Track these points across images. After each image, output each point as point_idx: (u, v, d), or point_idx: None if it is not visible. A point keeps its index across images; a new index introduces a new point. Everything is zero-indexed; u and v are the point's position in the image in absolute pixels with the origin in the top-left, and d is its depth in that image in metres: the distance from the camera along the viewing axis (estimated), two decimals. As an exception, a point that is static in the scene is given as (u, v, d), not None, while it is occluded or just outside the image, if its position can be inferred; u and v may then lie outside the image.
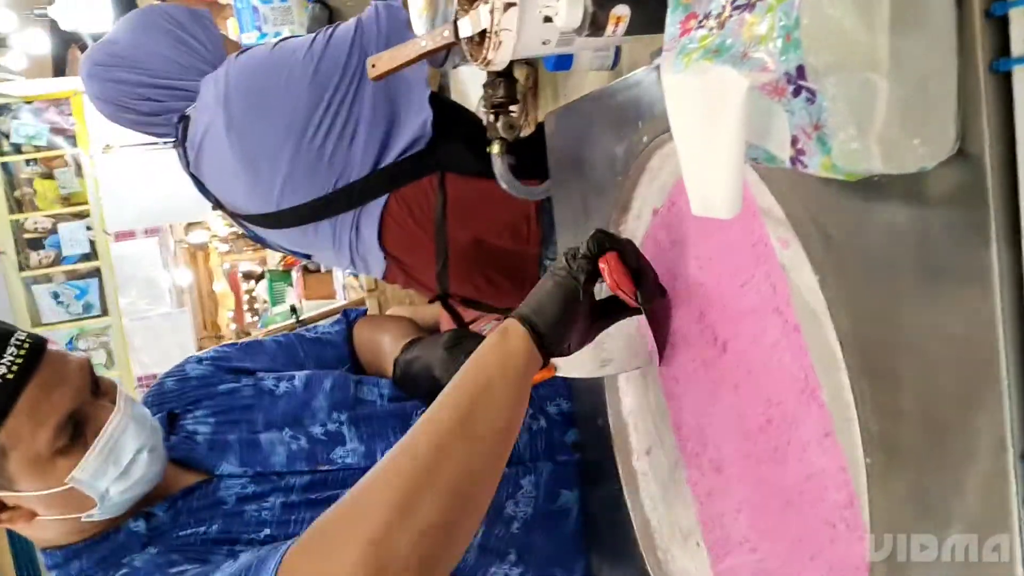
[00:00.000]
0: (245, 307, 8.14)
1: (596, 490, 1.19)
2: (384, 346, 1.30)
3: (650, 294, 0.92)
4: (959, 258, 0.52)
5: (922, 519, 0.59)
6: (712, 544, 0.94)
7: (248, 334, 5.25)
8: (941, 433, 0.56)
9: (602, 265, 0.88)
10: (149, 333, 4.05)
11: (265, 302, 6.47)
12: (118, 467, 0.99)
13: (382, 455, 1.12)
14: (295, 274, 5.16)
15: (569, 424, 1.25)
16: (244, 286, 8.20)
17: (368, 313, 1.51)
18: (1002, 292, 0.49)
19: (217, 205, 1.71)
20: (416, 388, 1.17)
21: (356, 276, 4.24)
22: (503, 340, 0.87)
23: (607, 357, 0.99)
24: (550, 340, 0.87)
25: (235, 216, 1.70)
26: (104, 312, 4.16)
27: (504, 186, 1.31)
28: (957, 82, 0.50)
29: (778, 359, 0.79)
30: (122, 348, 4.08)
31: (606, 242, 0.89)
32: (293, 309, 4.40)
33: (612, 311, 0.95)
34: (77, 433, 0.97)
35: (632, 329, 1.00)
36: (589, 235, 0.89)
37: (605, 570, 1.17)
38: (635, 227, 1.02)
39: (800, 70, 0.50)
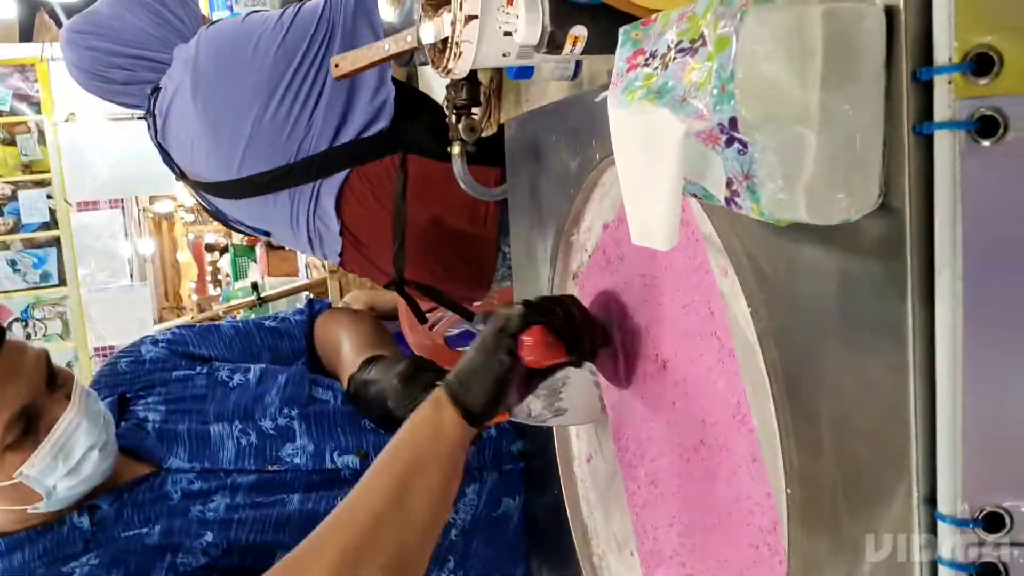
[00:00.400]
0: (208, 279, 8.07)
1: (538, 494, 1.21)
2: (344, 354, 1.28)
3: (586, 355, 0.92)
4: (877, 308, 0.54)
5: (835, 552, 0.61)
6: (645, 555, 0.96)
7: (210, 306, 5.21)
8: (855, 472, 0.58)
9: (523, 339, 0.87)
10: (107, 305, 4.01)
11: (228, 275, 6.42)
12: (68, 464, 0.99)
13: (331, 455, 1.14)
14: (259, 250, 5.13)
15: (518, 434, 1.26)
16: (208, 257, 8.13)
17: (332, 306, 1.49)
18: (915, 344, 0.51)
19: (181, 176, 1.71)
20: (368, 411, 1.16)
21: (320, 256, 4.24)
22: (435, 416, 0.88)
23: (562, 407, 0.99)
24: (481, 415, 0.88)
25: (197, 188, 1.70)
26: (62, 282, 4.11)
27: (463, 186, 1.32)
28: (883, 141, 0.51)
29: (713, 382, 0.81)
30: (79, 319, 4.04)
31: (533, 316, 0.88)
32: (255, 286, 4.38)
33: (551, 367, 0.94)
34: (29, 427, 0.96)
35: (588, 380, 1.01)
36: (516, 307, 0.89)
37: (543, 574, 1.19)
38: (586, 239, 1.04)
39: (733, 122, 0.51)
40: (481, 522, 1.19)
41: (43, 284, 4.12)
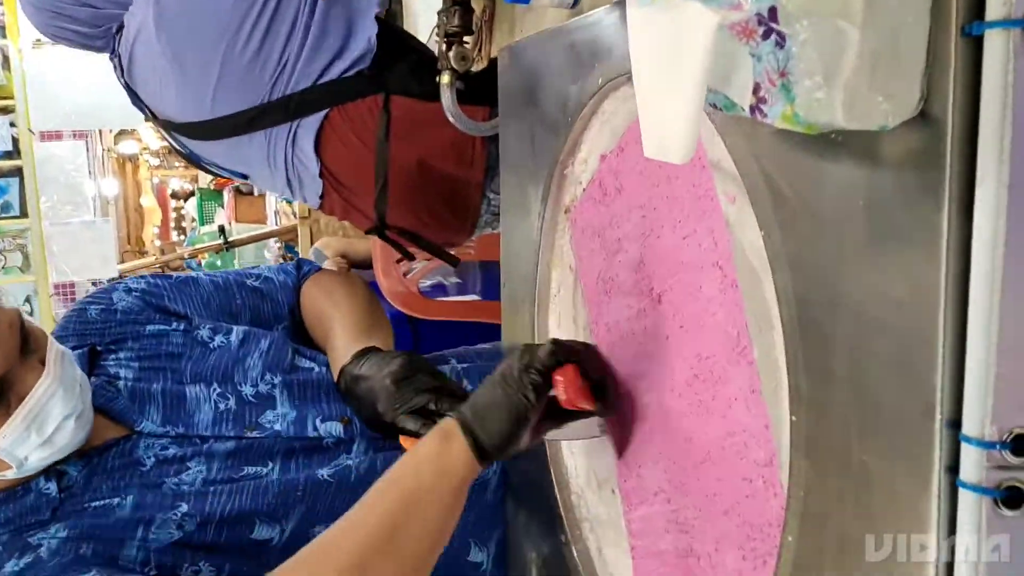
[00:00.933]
0: (172, 225, 7.94)
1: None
2: (335, 337, 1.18)
3: (612, 405, 0.90)
4: (909, 221, 0.51)
5: (842, 479, 0.59)
6: (627, 492, 0.94)
7: (173, 251, 5.12)
8: (870, 396, 0.56)
9: (557, 378, 0.84)
10: (69, 240, 3.90)
11: (193, 220, 6.32)
12: (41, 435, 0.94)
13: (313, 422, 1.10)
14: (226, 195, 5.05)
15: None
16: (172, 203, 7.99)
17: (321, 270, 1.38)
18: (948, 258, 0.49)
19: (152, 118, 1.64)
20: (357, 410, 1.09)
21: (290, 202, 4.16)
22: (442, 450, 0.83)
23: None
24: (493, 453, 0.84)
25: (168, 130, 1.63)
26: (23, 214, 3.99)
27: (451, 119, 1.28)
28: (928, 42, 0.49)
29: (712, 315, 0.79)
30: (40, 253, 3.93)
31: (562, 354, 0.85)
32: (222, 229, 4.31)
33: (567, 413, 0.90)
34: (0, 397, 0.91)
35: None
36: (544, 344, 0.86)
37: (520, 516, 1.17)
38: (581, 171, 1.01)
39: (772, 12, 0.48)
40: None
41: (4, 215, 4.01)
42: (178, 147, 1.69)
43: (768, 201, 0.65)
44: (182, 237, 7.17)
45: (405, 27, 2.03)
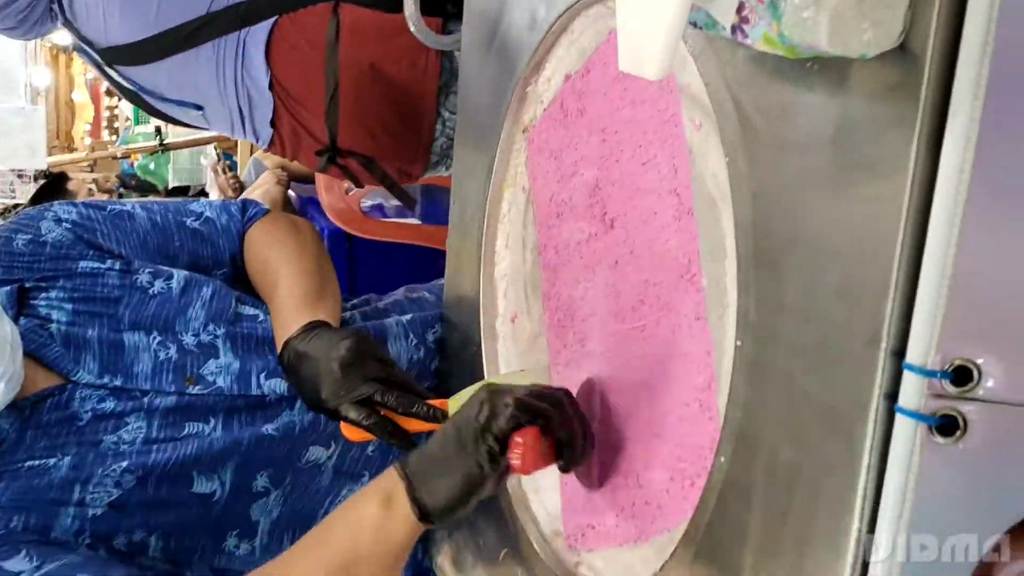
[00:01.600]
0: (104, 124, 7.65)
1: (454, 352, 1.18)
2: (279, 300, 1.10)
3: (576, 460, 0.84)
4: (877, 152, 0.52)
5: (781, 403, 0.60)
6: (562, 413, 0.95)
7: (105, 148, 4.95)
8: (818, 323, 0.57)
9: (516, 440, 0.78)
10: (-2, 125, 3.73)
11: (128, 120, 6.10)
12: None
13: (257, 378, 1.06)
14: (164, 97, 4.87)
15: (439, 353, 1.22)
16: (106, 102, 7.69)
17: (268, 214, 1.25)
18: (912, 189, 0.50)
19: (94, 57, 1.58)
20: (300, 389, 1.03)
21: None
22: (385, 515, 0.80)
23: None
24: (439, 518, 0.80)
25: (112, 62, 1.58)
26: (-48, 95, 3.81)
27: (412, 28, 1.26)
28: (917, -29, 0.49)
29: (664, 241, 0.79)
30: (-34, 136, 3.75)
31: (525, 418, 0.79)
32: (158, 131, 4.18)
33: None
34: None
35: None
36: (507, 403, 0.79)
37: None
38: (544, 90, 1.00)
39: (770, -77, 0.48)
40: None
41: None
42: (126, 85, 1.63)
43: (736, 127, 0.65)
44: (113, 137, 6.91)
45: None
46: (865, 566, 0.53)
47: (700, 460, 0.73)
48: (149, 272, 1.08)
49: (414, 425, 0.97)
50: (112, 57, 1.55)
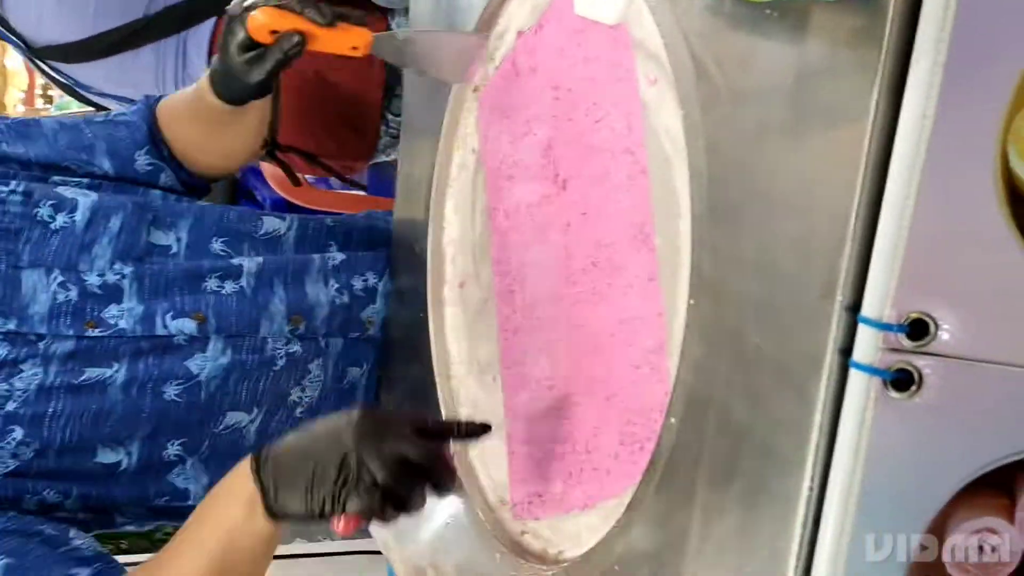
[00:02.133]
0: (39, 92, 7.40)
1: (401, 318, 1.16)
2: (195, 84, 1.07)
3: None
4: (837, 100, 0.51)
5: (733, 362, 0.59)
6: (509, 379, 0.94)
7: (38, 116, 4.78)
8: (772, 279, 0.56)
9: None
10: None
11: (66, 88, 5.91)
12: None
13: (163, 318, 1.01)
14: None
15: (370, 300, 1.17)
16: (44, 69, 7.44)
17: None
18: (872, 138, 0.48)
19: (28, 50, 1.52)
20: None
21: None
22: (249, 517, 0.79)
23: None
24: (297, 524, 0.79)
25: (46, 58, 1.52)
26: None
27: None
28: (883, -90, 0.47)
29: (617, 202, 0.77)
30: None
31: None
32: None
33: None
34: None
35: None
36: (386, 454, 0.75)
37: (395, 396, 1.15)
38: (496, 46, 0.97)
39: None
40: (328, 396, 1.11)
41: None
42: (60, 78, 1.58)
43: (692, 80, 0.64)
44: (48, 106, 6.69)
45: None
46: (816, 524, 0.52)
47: (650, 424, 0.71)
48: (51, 204, 1.00)
49: None
50: (45, 54, 1.50)
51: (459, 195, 1.06)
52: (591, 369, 0.80)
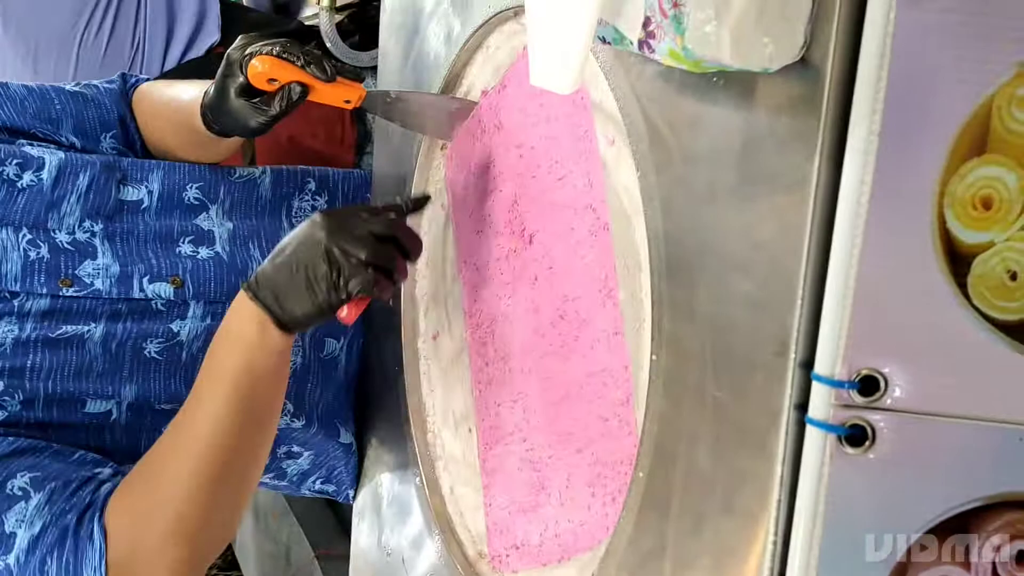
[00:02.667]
0: None
1: (376, 369, 1.16)
2: (185, 94, 1.06)
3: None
4: (782, 165, 0.53)
5: (695, 416, 0.60)
6: (484, 431, 0.95)
7: None
8: (728, 335, 0.57)
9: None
10: None
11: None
12: None
13: (139, 282, 0.99)
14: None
15: (363, 372, 1.18)
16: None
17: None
18: (816, 203, 0.50)
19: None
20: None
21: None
22: (263, 334, 0.83)
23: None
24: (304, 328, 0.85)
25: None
26: None
27: (329, 45, 1.24)
28: (816, -14, 0.49)
29: (582, 256, 0.79)
30: None
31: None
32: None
33: None
34: None
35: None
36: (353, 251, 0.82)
37: (373, 448, 1.16)
38: (461, 106, 0.99)
39: (671, -61, 0.48)
40: (311, 364, 1.10)
41: None
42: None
43: (646, 142, 0.66)
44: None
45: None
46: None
47: (620, 476, 0.72)
48: (17, 163, 0.98)
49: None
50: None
51: (430, 249, 1.07)
52: (562, 421, 0.81)
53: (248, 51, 0.92)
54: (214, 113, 0.98)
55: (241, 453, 0.85)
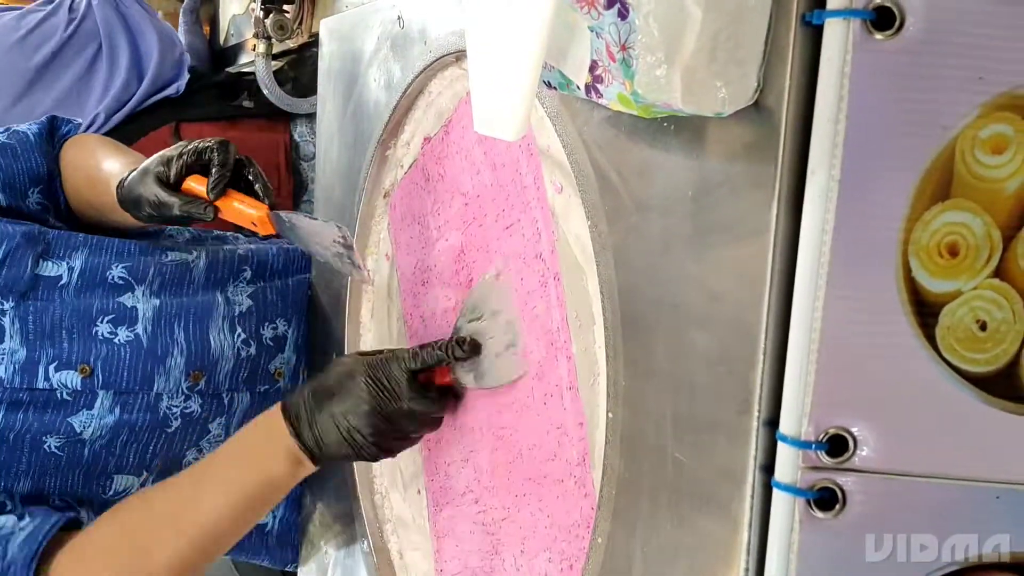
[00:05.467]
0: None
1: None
2: (108, 163, 1.02)
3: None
4: (738, 214, 0.50)
5: (655, 478, 0.57)
6: (434, 492, 0.90)
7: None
8: (688, 392, 0.54)
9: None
10: None
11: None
12: None
13: (45, 368, 0.93)
14: None
15: (279, 349, 1.10)
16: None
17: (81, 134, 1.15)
18: (775, 254, 0.48)
19: None
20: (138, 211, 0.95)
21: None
22: (291, 471, 0.83)
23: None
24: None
25: None
26: None
27: (265, 91, 1.21)
28: (768, 29, 0.47)
29: (532, 308, 0.76)
30: None
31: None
32: None
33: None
34: None
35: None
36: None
37: (318, 512, 1.10)
38: (403, 154, 0.96)
39: (617, -21, 0.45)
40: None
41: None
42: None
43: (596, 190, 0.63)
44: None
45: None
46: (751, 653, 0.49)
47: (578, 540, 0.69)
48: None
49: None
50: None
51: (375, 300, 1.04)
52: (515, 481, 0.78)
53: (168, 155, 0.92)
54: (130, 200, 0.95)
55: (228, 546, 0.86)
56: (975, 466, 0.47)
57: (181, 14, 1.65)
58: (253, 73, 1.27)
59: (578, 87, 0.55)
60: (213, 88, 1.40)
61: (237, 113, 1.29)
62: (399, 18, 0.91)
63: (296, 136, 1.37)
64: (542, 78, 0.57)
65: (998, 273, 0.46)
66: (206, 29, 1.72)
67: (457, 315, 0.86)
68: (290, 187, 1.43)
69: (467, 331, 0.84)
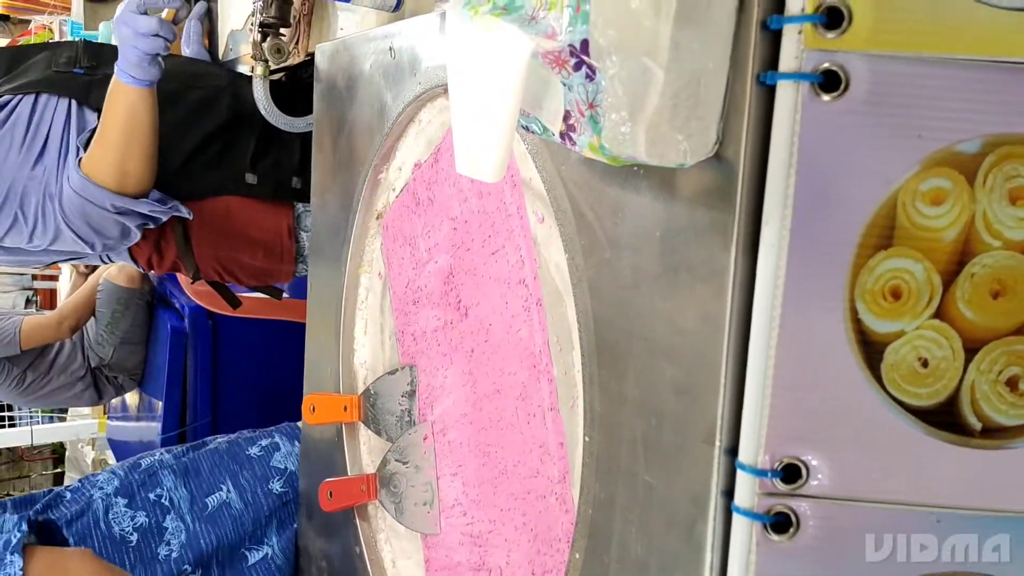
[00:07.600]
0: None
1: (314, 445, 1.15)
2: None
3: None
4: (700, 255, 0.54)
5: (628, 499, 0.61)
6: (425, 505, 0.94)
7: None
8: (657, 420, 0.58)
9: None
10: None
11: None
12: None
13: None
14: None
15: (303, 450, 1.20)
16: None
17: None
18: (733, 294, 0.51)
19: None
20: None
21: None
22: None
23: None
24: None
25: None
26: None
27: (263, 111, 1.24)
28: (726, 87, 0.51)
29: (516, 331, 0.80)
30: None
31: None
32: None
33: None
34: None
35: None
36: None
37: (312, 523, 1.14)
38: (395, 178, 0.99)
39: (584, 44, 0.49)
40: None
41: None
42: None
43: (572, 224, 0.66)
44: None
45: (219, 12, 1.96)
46: (713, 666, 0.53)
47: (558, 554, 0.72)
48: None
49: None
50: None
51: (367, 317, 1.07)
52: (500, 496, 0.81)
53: None
54: None
55: None
56: (918, 492, 0.51)
57: (187, 23, 1.68)
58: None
59: (554, 134, 0.58)
60: (208, 163, 1.44)
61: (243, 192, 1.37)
62: (391, 49, 0.94)
63: (300, 207, 1.45)
64: (522, 123, 0.61)
65: (938, 314, 0.50)
66: (206, 42, 1.75)
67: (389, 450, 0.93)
68: (293, 252, 1.51)
69: (392, 469, 0.92)
